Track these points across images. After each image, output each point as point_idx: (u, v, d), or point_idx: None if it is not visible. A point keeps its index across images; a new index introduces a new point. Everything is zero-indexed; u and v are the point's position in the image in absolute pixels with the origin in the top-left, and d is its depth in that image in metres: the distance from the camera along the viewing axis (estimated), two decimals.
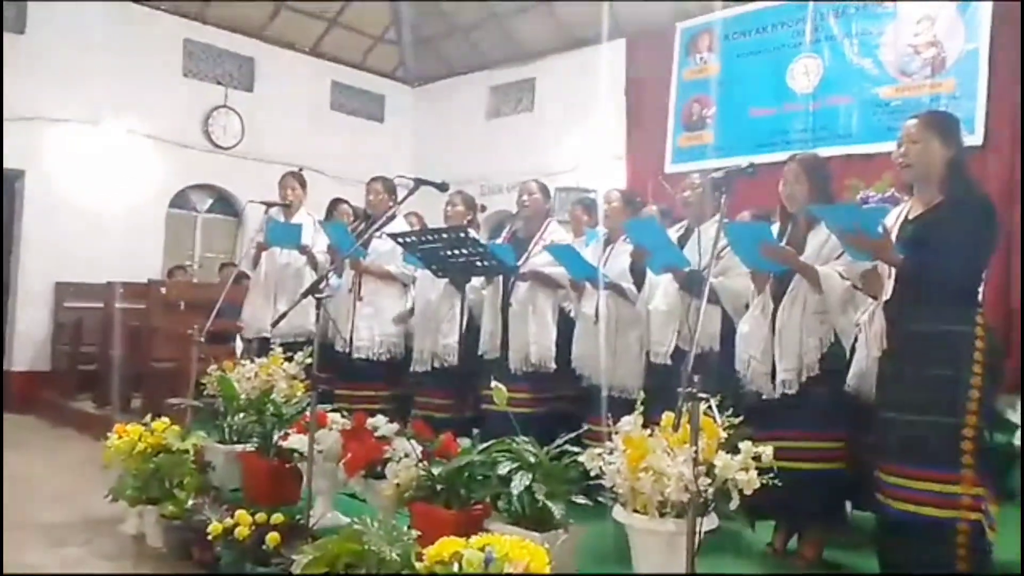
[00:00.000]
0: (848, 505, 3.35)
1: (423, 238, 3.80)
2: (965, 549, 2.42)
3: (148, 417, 3.85)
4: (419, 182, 3.26)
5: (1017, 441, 4.40)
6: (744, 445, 2.27)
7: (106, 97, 7.82)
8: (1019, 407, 5.37)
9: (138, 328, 6.53)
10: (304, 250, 4.97)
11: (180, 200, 8.83)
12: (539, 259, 4.23)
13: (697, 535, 2.12)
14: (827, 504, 3.02)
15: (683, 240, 3.67)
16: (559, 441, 2.71)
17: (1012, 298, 5.73)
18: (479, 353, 4.36)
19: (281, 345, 4.36)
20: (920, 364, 2.50)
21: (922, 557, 2.48)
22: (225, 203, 9.20)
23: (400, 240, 3.89)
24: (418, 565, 2.17)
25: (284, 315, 3.25)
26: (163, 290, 6.86)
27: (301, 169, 5.38)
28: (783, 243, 3.14)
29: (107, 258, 7.47)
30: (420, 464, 2.87)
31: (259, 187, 5.78)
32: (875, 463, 2.66)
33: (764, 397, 3.05)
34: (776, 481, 2.24)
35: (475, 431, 3.78)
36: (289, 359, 4.02)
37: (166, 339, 6.12)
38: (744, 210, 4.20)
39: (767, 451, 2.26)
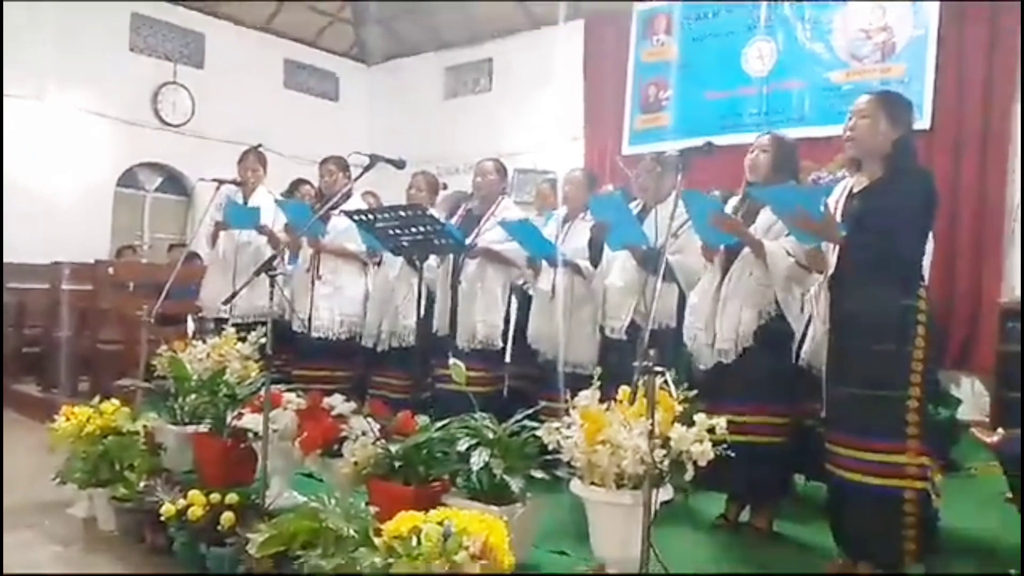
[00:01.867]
0: (802, 478, 3.45)
1: (380, 216, 3.76)
2: (913, 517, 2.49)
3: (96, 399, 3.77)
4: (375, 159, 3.23)
5: (959, 415, 4.56)
6: (699, 418, 2.31)
7: (51, 72, 7.57)
8: (961, 383, 5.59)
9: (85, 309, 6.37)
10: (264, 230, 4.89)
11: (128, 179, 8.60)
12: (490, 235, 4.21)
13: (653, 506, 2.16)
14: (773, 477, 3.08)
15: (640, 219, 3.69)
16: (517, 417, 2.72)
17: (957, 280, 5.93)
18: (433, 331, 4.35)
19: (237, 326, 4.31)
20: (865, 338, 2.55)
21: (872, 525, 2.54)
22: (175, 182, 8.99)
23: (356, 218, 3.84)
24: (376, 541, 2.16)
25: (236, 293, 3.19)
26: (111, 270, 6.68)
27: (259, 146, 5.27)
28: (737, 215, 3.19)
29: (53, 238, 7.24)
30: (378, 442, 2.85)
31: (210, 166, 5.64)
32: (825, 435, 2.72)
33: (704, 368, 3.11)
34: (730, 452, 2.29)
35: (431, 411, 3.78)
36: (243, 339, 3.96)
37: (114, 320, 5.99)
38: (703, 190, 4.23)
39: (721, 423, 2.30)
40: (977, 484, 4.03)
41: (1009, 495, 2.94)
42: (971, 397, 5.69)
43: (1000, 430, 2.98)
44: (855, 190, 2.72)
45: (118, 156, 8.32)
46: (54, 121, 7.72)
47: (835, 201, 2.73)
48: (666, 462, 2.26)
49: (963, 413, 4.98)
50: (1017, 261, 5.80)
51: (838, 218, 2.66)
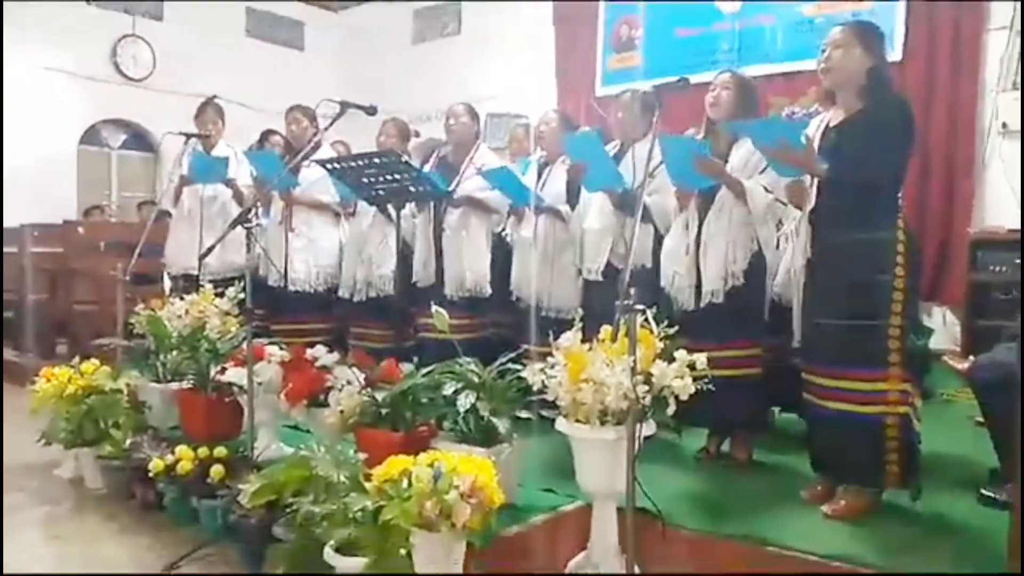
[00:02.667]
0: (776, 409, 3.53)
1: (353, 164, 3.71)
2: (896, 441, 2.56)
3: (76, 360, 3.74)
4: (345, 105, 3.16)
5: (932, 344, 4.65)
6: (679, 354, 2.34)
7: (4, 28, 7.29)
8: (932, 313, 5.70)
9: (56, 271, 6.27)
10: (229, 183, 4.81)
11: (91, 137, 8.41)
12: (470, 184, 4.18)
13: (637, 440, 2.20)
14: (750, 409, 3.16)
15: (617, 159, 3.68)
16: (501, 360, 2.75)
17: (927, 211, 6.00)
18: (412, 281, 4.34)
19: (212, 282, 4.27)
20: (845, 269, 2.58)
21: (855, 452, 2.61)
22: (140, 139, 8.80)
23: (329, 167, 3.79)
24: (367, 486, 2.19)
25: (211, 248, 3.14)
26: (81, 231, 6.57)
27: (214, 98, 5.15)
28: None
29: (16, 201, 7.09)
30: (363, 390, 2.87)
31: (175, 121, 5.50)
32: (802, 366, 2.78)
33: (688, 310, 3.14)
34: (710, 387, 2.33)
35: (414, 359, 3.79)
36: (220, 295, 3.94)
37: (87, 281, 5.92)
38: (677, 129, 4.22)
39: (701, 358, 2.34)
40: (949, 409, 4.16)
41: (979, 419, 3.03)
42: (942, 327, 5.81)
43: (971, 357, 3.05)
44: (832, 124, 2.73)
45: (79, 113, 8.12)
46: (9, 79, 7.47)
47: (812, 135, 2.73)
48: (648, 398, 2.29)
49: (935, 343, 5.11)
50: (987, 190, 5.88)
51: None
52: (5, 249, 6.81)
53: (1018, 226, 5.07)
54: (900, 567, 2.22)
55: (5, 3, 7.21)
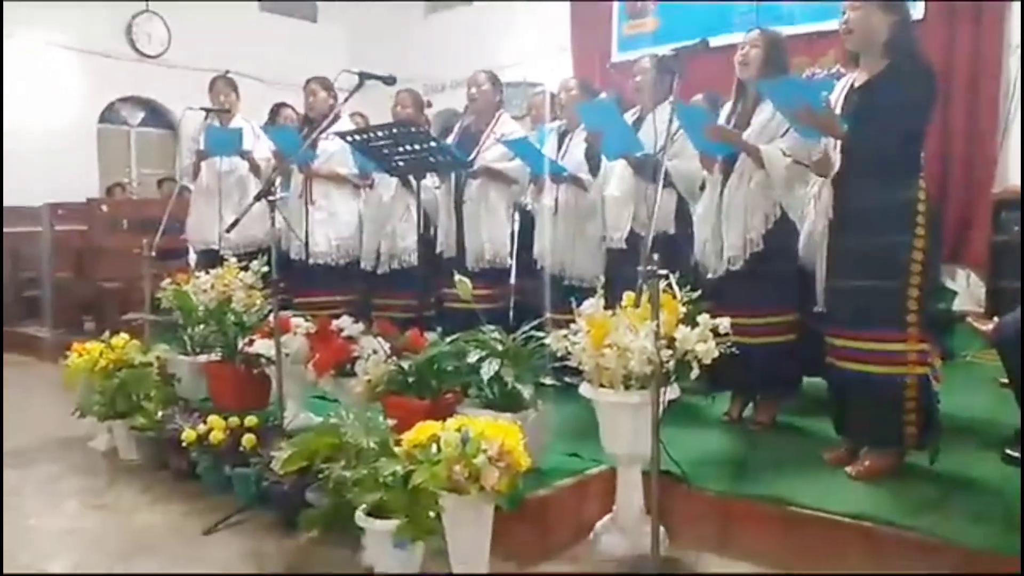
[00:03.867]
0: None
1: (373, 135, 3.72)
2: (914, 401, 2.57)
3: (107, 334, 3.81)
4: (364, 76, 3.16)
5: (955, 306, 4.64)
6: (702, 318, 2.35)
7: (18, 8, 7.32)
8: (956, 275, 5.65)
9: (82, 249, 6.36)
10: (245, 156, 4.84)
11: (110, 115, 8.47)
12: (490, 154, 4.18)
13: (661, 404, 2.22)
14: (783, 374, 3.17)
15: (637, 125, 3.66)
16: (524, 328, 2.77)
17: (951, 171, 5.92)
18: (437, 252, 4.36)
19: (234, 256, 4.31)
20: (867, 230, 2.57)
21: (874, 412, 2.63)
22: (158, 115, 8.85)
23: (349, 139, 3.80)
24: (397, 451, 2.24)
25: (237, 221, 3.16)
26: (104, 208, 6.65)
27: (228, 72, 5.17)
28: (732, 121, 3.18)
29: (39, 179, 7.15)
30: (390, 359, 2.91)
31: (192, 96, 5.53)
32: (824, 329, 2.78)
33: (712, 275, 3.15)
34: (734, 350, 2.35)
35: (438, 329, 3.83)
36: (244, 269, 3.98)
37: (113, 258, 6.00)
38: (696, 94, 4.18)
39: (724, 322, 2.35)
40: (973, 371, 4.15)
41: (1004, 380, 3.03)
42: (965, 289, 5.76)
43: (995, 319, 3.04)
44: (856, 85, 2.70)
45: (97, 91, 8.16)
46: (26, 59, 7.52)
47: (836, 98, 2.71)
48: (672, 362, 2.32)
49: (958, 305, 5.08)
50: (1011, 150, 5.79)
51: (839, 114, 2.65)
52: (29, 228, 6.92)
53: None
54: (922, 526, 2.24)
55: None
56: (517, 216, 4.42)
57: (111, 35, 8.19)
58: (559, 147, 4.06)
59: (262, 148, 4.91)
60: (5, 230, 7.04)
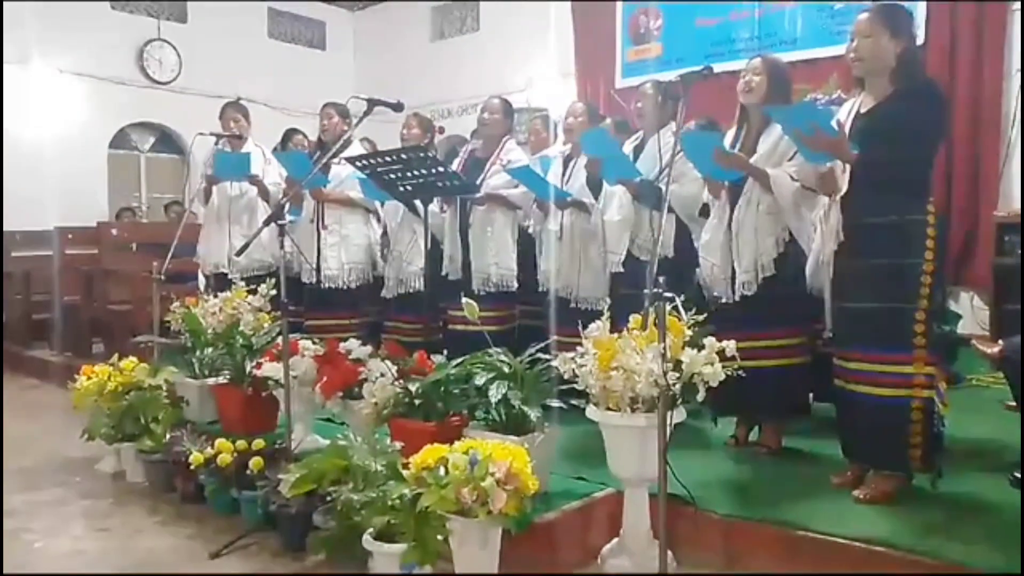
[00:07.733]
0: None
1: (382, 160, 3.76)
2: (920, 424, 2.58)
3: (115, 357, 3.83)
4: (373, 102, 3.22)
5: (959, 330, 4.64)
6: (708, 341, 2.37)
7: (32, 36, 7.45)
8: (960, 298, 5.65)
9: (91, 272, 6.41)
10: (254, 180, 4.89)
11: (121, 140, 8.56)
12: (495, 180, 4.23)
13: (668, 427, 2.23)
14: (791, 397, 3.17)
15: (639, 150, 3.71)
16: (531, 350, 2.79)
17: (954, 194, 5.95)
18: (443, 274, 4.40)
19: (242, 279, 4.35)
20: (875, 253, 2.59)
21: (880, 434, 2.63)
22: (168, 141, 8.95)
23: (358, 164, 3.85)
24: (404, 474, 2.25)
25: (248, 244, 3.21)
26: (114, 232, 6.71)
27: (239, 99, 5.25)
28: (737, 146, 3.21)
29: (50, 204, 7.24)
30: (396, 382, 2.93)
31: (202, 122, 5.61)
32: (832, 352, 2.79)
33: (724, 301, 3.15)
34: (741, 372, 2.36)
35: (444, 352, 3.84)
36: (252, 292, 4.01)
37: (122, 281, 6.03)
38: (698, 118, 4.23)
39: (731, 345, 2.36)
40: (978, 394, 4.15)
41: (1010, 403, 3.03)
42: (970, 312, 5.77)
43: (1000, 342, 3.04)
44: (862, 110, 2.72)
45: (108, 117, 8.27)
46: (41, 86, 7.63)
47: (842, 122, 2.74)
48: (678, 385, 2.32)
49: (962, 328, 5.08)
50: (1013, 173, 5.81)
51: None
52: (39, 252, 6.98)
53: None
54: (929, 550, 2.23)
55: (31, 11, 7.34)
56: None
57: (123, 62, 8.32)
58: (564, 172, 4.10)
59: (272, 173, 4.97)
60: (15, 254, 7.12)
